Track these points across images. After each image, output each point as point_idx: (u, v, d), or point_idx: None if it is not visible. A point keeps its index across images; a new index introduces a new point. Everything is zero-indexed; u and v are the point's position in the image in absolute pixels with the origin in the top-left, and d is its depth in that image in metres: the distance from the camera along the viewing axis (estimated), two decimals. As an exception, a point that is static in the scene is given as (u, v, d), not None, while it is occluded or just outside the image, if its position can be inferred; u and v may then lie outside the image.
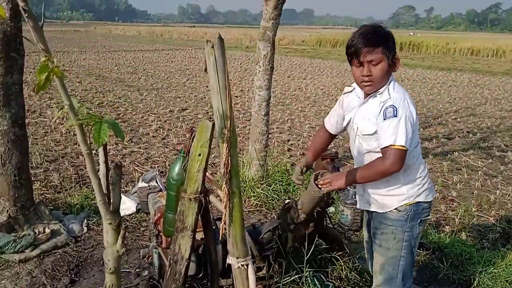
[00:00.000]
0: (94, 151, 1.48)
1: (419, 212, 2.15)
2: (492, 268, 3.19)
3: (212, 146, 1.75)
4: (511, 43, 28.58)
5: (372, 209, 2.22)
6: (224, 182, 1.53)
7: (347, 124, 2.26)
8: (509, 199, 4.94)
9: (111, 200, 1.31)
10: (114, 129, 1.21)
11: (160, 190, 2.92)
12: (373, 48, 1.96)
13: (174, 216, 2.10)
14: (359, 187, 2.30)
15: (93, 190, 4.34)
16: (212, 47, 1.45)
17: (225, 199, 1.53)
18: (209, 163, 5.43)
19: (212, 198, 2.08)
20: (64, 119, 7.65)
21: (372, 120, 2.04)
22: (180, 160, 2.07)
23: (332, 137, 2.47)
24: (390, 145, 1.90)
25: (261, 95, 4.38)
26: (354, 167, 2.29)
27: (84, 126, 1.22)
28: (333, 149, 4.57)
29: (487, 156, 6.62)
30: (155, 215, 2.50)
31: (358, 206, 2.39)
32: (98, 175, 1.24)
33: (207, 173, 2.08)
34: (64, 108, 1.17)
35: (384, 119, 1.93)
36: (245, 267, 1.61)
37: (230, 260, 1.62)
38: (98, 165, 1.38)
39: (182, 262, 2.04)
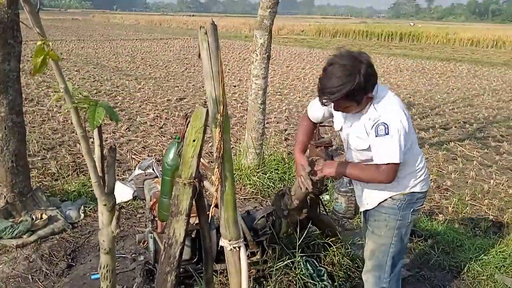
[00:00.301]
0: (91, 139, 1.51)
1: (413, 202, 2.17)
2: (483, 255, 3.26)
3: (208, 135, 1.78)
4: (511, 34, 28.51)
5: (370, 208, 2.24)
6: (217, 166, 1.56)
7: (340, 130, 2.24)
8: (502, 189, 5.00)
9: (106, 182, 1.34)
10: (109, 112, 1.24)
11: (156, 177, 2.95)
12: (336, 101, 1.93)
13: (169, 201, 2.14)
14: (358, 190, 2.32)
15: (90, 177, 4.38)
16: (206, 33, 1.47)
17: (216, 183, 1.57)
18: (205, 151, 5.42)
19: (206, 183, 2.11)
20: (61, 107, 7.68)
21: (363, 136, 2.04)
22: (175, 145, 2.11)
23: (316, 125, 2.45)
24: (384, 163, 1.95)
25: (257, 84, 4.40)
26: None
27: (79, 109, 1.25)
28: (327, 137, 4.58)
29: (483, 146, 6.67)
30: (150, 201, 2.54)
31: (361, 210, 2.40)
32: (93, 157, 1.27)
33: (202, 160, 2.12)
34: (59, 92, 1.19)
35: (376, 136, 1.95)
36: (237, 249, 1.65)
37: (222, 242, 1.66)
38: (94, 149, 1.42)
39: (177, 246, 2.08)
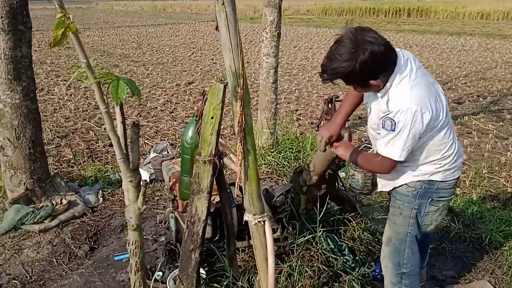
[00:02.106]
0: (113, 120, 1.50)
1: (432, 191, 1.99)
2: (504, 226, 3.22)
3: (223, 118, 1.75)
4: (522, 5, 27.78)
5: (388, 189, 2.14)
6: (239, 141, 1.55)
7: (366, 103, 2.16)
8: (520, 160, 4.93)
9: (131, 159, 1.33)
10: (131, 86, 1.22)
11: (173, 158, 2.95)
12: (335, 79, 1.84)
13: (190, 179, 2.14)
14: None
15: (106, 163, 4.39)
16: (223, 3, 1.43)
17: (240, 157, 1.55)
18: (221, 133, 5.43)
19: (226, 160, 2.10)
20: (72, 95, 7.70)
21: (375, 119, 1.97)
22: (193, 123, 2.09)
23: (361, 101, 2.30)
24: (383, 155, 1.89)
25: (268, 63, 4.35)
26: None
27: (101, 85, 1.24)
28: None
29: (498, 119, 6.56)
30: (170, 181, 2.55)
31: (379, 189, 2.29)
32: (117, 133, 1.26)
33: (219, 139, 2.11)
34: (81, 68, 1.18)
35: (383, 127, 1.87)
36: (262, 223, 1.64)
37: (247, 217, 1.66)
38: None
39: (199, 223, 2.09)
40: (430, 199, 2.01)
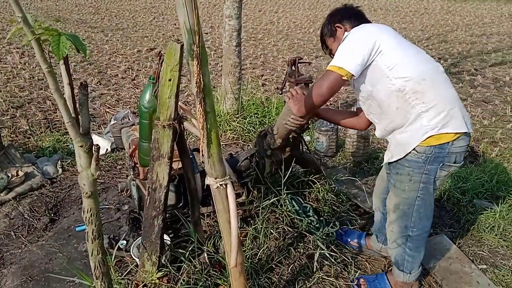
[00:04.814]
0: (61, 86, 1.38)
1: (444, 155, 1.87)
2: (461, 183, 3.35)
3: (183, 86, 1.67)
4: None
5: (395, 159, 2.00)
6: (198, 102, 1.48)
7: None
8: (477, 120, 5.11)
9: (81, 123, 1.25)
10: (75, 42, 1.13)
11: (133, 124, 2.85)
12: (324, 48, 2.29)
13: (149, 145, 2.07)
14: (390, 141, 2.08)
15: (65, 133, 4.19)
16: (174, -46, 1.33)
17: (201, 120, 1.49)
18: (183, 100, 5.24)
19: (186, 124, 2.04)
20: (26, 63, 7.29)
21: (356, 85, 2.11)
22: (150, 87, 2.01)
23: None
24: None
25: (231, 25, 4.21)
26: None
27: (41, 43, 1.13)
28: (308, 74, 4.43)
29: (458, 81, 6.74)
30: (129, 148, 2.46)
31: (385, 161, 2.12)
32: (63, 95, 1.17)
33: (180, 103, 2.03)
34: (18, 24, 1.07)
35: None
36: (224, 186, 1.61)
37: (208, 180, 1.62)
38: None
39: (161, 190, 2.04)
40: (441, 164, 1.90)
